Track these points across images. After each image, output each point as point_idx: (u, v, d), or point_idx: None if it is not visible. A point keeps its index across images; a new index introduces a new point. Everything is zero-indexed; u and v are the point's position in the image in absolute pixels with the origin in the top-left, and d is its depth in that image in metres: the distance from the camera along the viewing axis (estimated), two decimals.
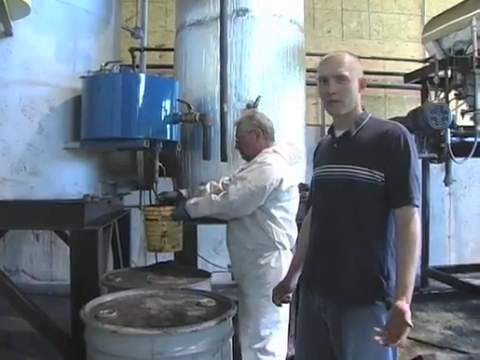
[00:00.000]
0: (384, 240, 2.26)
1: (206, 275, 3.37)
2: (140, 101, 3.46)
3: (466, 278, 6.55)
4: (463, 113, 5.65)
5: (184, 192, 3.67)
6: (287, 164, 3.40)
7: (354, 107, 2.34)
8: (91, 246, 3.41)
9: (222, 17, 3.67)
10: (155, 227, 3.46)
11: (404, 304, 2.06)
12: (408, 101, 7.17)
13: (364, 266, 2.25)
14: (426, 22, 6.98)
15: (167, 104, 3.56)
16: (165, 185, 3.99)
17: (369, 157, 2.24)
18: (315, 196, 2.54)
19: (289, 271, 2.76)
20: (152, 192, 4.64)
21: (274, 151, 3.38)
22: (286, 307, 3.38)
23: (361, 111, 2.39)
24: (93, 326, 2.29)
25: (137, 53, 4.93)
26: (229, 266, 7.14)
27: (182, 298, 2.76)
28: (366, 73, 7.12)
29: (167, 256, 3.85)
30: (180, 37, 4.31)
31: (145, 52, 4.99)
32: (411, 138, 2.26)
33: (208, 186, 3.63)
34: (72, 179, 3.79)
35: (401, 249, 2.18)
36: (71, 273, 3.42)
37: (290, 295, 2.76)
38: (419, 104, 6.44)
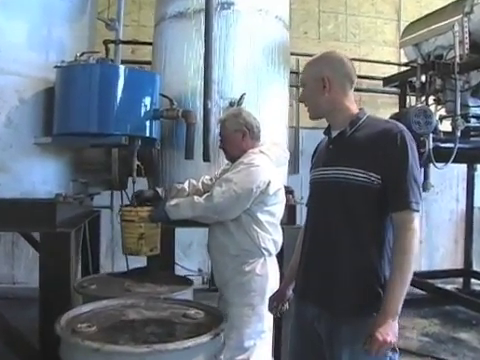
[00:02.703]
0: (381, 247, 2.10)
1: (188, 283, 3.13)
2: (119, 94, 3.18)
3: (437, 283, 6.49)
4: (441, 118, 5.57)
5: (160, 191, 3.43)
6: (274, 165, 3.20)
7: (331, 108, 2.21)
8: (63, 250, 3.12)
9: (207, 9, 3.44)
10: (132, 229, 3.20)
11: (382, 319, 1.95)
12: (382, 105, 7.11)
13: (359, 275, 2.10)
14: (403, 27, 6.92)
15: (147, 99, 3.30)
16: (139, 186, 3.72)
17: (364, 158, 2.09)
18: (310, 200, 2.41)
19: (286, 278, 2.63)
20: (125, 192, 4.40)
21: (261, 152, 3.17)
22: (270, 316, 3.20)
23: (356, 110, 2.24)
24: (72, 342, 2.01)
25: (111, 46, 4.68)
26: (200, 270, 7.02)
27: (166, 309, 2.51)
28: None
29: (139, 261, 3.58)
30: (160, 30, 4.06)
31: (120, 45, 4.74)
32: (410, 137, 2.10)
33: (186, 185, 3.40)
34: (42, 177, 3.49)
35: (395, 257, 2.03)
36: (40, 279, 3.12)
37: (286, 304, 2.60)
38: (394, 109, 6.37)
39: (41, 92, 3.47)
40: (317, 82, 2.19)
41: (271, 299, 2.66)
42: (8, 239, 6.73)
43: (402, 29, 6.87)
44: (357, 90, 7.09)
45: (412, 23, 6.46)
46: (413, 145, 2.08)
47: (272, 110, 3.89)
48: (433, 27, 5.76)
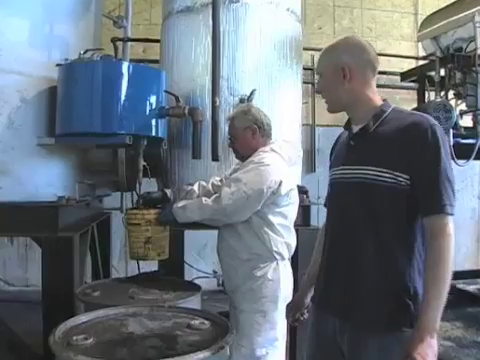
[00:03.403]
0: (410, 255, 1.87)
1: (195, 289, 2.95)
2: (123, 92, 3.04)
3: (460, 284, 6.25)
4: (462, 113, 5.31)
5: (169, 192, 3.26)
6: (286, 165, 3.01)
7: (351, 100, 1.98)
8: (66, 255, 2.97)
9: (215, 2, 3.26)
10: (138, 232, 3.04)
11: (418, 336, 1.72)
12: (400, 101, 6.84)
13: (386, 285, 1.88)
14: (420, 20, 6.66)
15: (152, 96, 3.15)
16: (148, 187, 3.55)
17: (391, 156, 1.86)
18: (329, 202, 2.19)
19: (304, 285, 2.40)
20: (136, 193, 4.25)
21: (272, 150, 2.99)
22: (283, 323, 3.02)
23: (380, 101, 2.00)
24: (64, 357, 1.85)
25: (120, 44, 4.53)
26: (215, 272, 6.85)
27: (170, 318, 2.34)
28: None
29: (151, 264, 3.43)
30: (167, 25, 3.89)
31: (128, 43, 4.59)
32: (441, 131, 1.85)
33: (196, 187, 3.22)
34: (46, 179, 3.35)
35: (427, 267, 1.80)
36: (43, 286, 2.98)
37: (305, 313, 2.39)
38: (413, 104, 6.12)
39: (44, 91, 3.34)
40: (336, 71, 1.96)
41: (288, 307, 2.47)
42: (21, 242, 6.64)
43: (419, 22, 6.62)
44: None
45: (430, 16, 6.21)
46: (445, 141, 1.84)
47: (284, 107, 3.71)
48: (452, 19, 5.51)
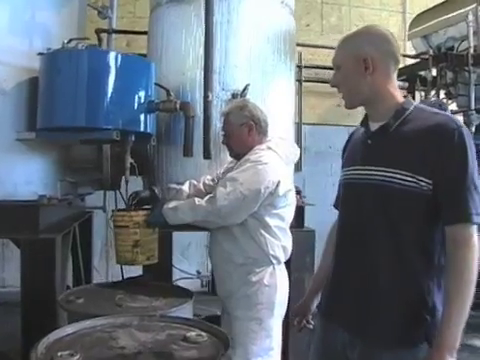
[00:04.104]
0: (430, 265, 1.73)
1: (187, 295, 2.72)
2: (110, 84, 2.80)
3: None
4: (453, 113, 5.18)
5: (157, 190, 3.04)
6: (284, 164, 2.82)
7: (372, 95, 1.81)
8: (47, 258, 2.73)
9: None
10: (125, 235, 2.81)
11: (437, 354, 1.59)
12: None
13: (403, 298, 1.74)
14: (409, 19, 6.54)
15: (142, 89, 2.91)
16: (133, 186, 3.31)
17: (413, 158, 1.70)
18: (342, 205, 2.01)
19: (310, 290, 2.28)
20: (119, 192, 4.01)
21: (269, 148, 2.79)
22: (279, 331, 2.84)
23: (402, 98, 1.84)
24: None
25: (104, 36, 4.29)
26: (198, 272, 6.64)
27: (163, 329, 2.11)
28: None
29: (135, 268, 3.18)
30: (156, 16, 3.65)
31: (113, 35, 4.34)
32: (468, 134, 1.69)
33: (186, 186, 3.02)
34: (25, 177, 3.09)
35: (447, 280, 1.66)
36: (22, 292, 2.74)
37: (310, 319, 2.26)
38: None
39: (24, 82, 3.09)
40: (357, 63, 1.80)
41: (293, 314, 2.34)
42: None
43: (408, 21, 6.49)
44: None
45: (421, 14, 6.07)
46: (472, 144, 1.69)
47: (278, 103, 3.51)
48: (444, 18, 5.39)
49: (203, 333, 2.06)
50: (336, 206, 2.15)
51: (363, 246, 1.83)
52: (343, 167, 2.01)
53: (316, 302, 2.22)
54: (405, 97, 1.86)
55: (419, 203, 1.70)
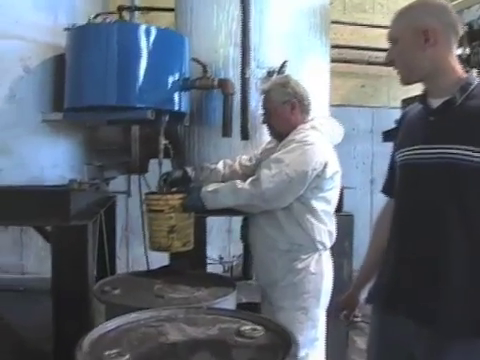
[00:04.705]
0: None
1: (230, 284, 2.53)
2: (142, 60, 2.58)
3: None
4: None
5: (190, 171, 2.85)
6: (330, 144, 2.61)
7: (433, 69, 1.67)
8: (79, 246, 2.53)
9: None
10: (161, 220, 2.60)
11: None
12: None
13: (476, 285, 1.61)
14: None
15: (177, 65, 2.70)
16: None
17: None
18: (400, 188, 1.83)
19: (358, 280, 2.15)
20: (143, 177, 3.82)
21: (313, 127, 2.57)
22: (323, 321, 2.66)
23: (464, 73, 1.69)
24: None
25: (126, 13, 4.08)
26: (221, 257, 6.44)
27: (213, 323, 1.92)
28: (369, 49, 6.34)
29: (157, 255, 2.96)
30: None
31: (135, 13, 4.14)
32: None
33: (221, 165, 2.84)
34: (52, 160, 2.89)
35: None
36: (53, 282, 2.54)
37: (358, 312, 2.14)
38: None
39: (49, 60, 2.88)
40: (417, 35, 1.66)
41: (340, 305, 2.17)
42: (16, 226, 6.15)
43: None
44: (386, 65, 6.44)
45: None
46: None
47: (315, 82, 3.27)
48: None
49: (258, 327, 1.86)
50: (386, 191, 2.02)
51: (429, 231, 1.69)
52: (399, 148, 1.84)
53: (364, 294, 2.06)
54: (468, 72, 1.72)
55: None
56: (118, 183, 4.25)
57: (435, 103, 1.71)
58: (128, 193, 4.07)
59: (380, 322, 1.89)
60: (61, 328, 2.44)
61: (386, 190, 2.04)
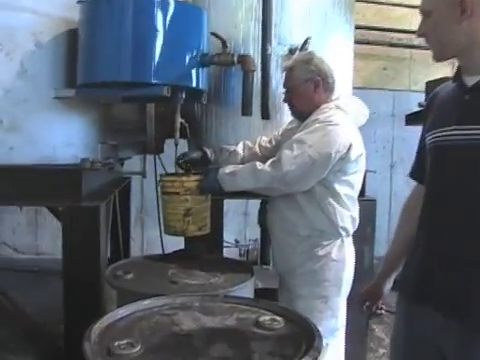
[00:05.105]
0: None
1: (247, 270, 2.40)
2: (158, 34, 2.43)
3: None
4: None
5: (209, 152, 2.71)
6: (355, 125, 2.45)
7: (469, 43, 1.51)
8: (91, 228, 2.41)
9: None
10: (176, 203, 2.47)
11: None
12: (435, 64, 6.22)
13: None
14: None
15: (195, 40, 2.55)
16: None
17: None
18: (431, 172, 1.69)
19: (383, 270, 1.99)
20: (158, 157, 3.69)
21: (337, 107, 2.42)
22: (344, 310, 2.52)
23: None
24: None
25: None
26: (237, 241, 6.33)
27: (230, 312, 1.79)
28: (391, 31, 6.11)
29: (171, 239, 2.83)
30: None
31: None
32: None
33: (240, 147, 2.70)
34: (65, 138, 2.77)
35: None
36: (64, 265, 2.43)
37: (381, 304, 2.00)
38: (448, 69, 5.51)
39: (62, 34, 2.73)
40: (452, 6, 1.49)
41: (362, 296, 2.03)
42: (31, 207, 6.09)
43: None
44: (408, 47, 6.24)
45: None
46: None
47: (338, 61, 3.09)
48: None
49: (278, 317, 1.73)
50: (414, 176, 1.88)
51: (465, 219, 1.54)
52: (429, 130, 1.69)
53: (389, 285, 1.95)
54: None
55: None
56: (133, 163, 4.14)
57: (471, 81, 1.56)
58: (143, 174, 3.95)
59: (406, 313, 1.76)
60: (72, 314, 2.33)
61: (414, 174, 1.89)
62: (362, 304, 2.02)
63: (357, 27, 5.77)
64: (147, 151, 3.30)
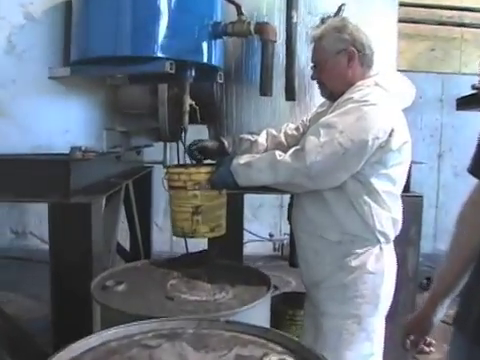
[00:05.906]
0: None
1: (263, 282, 1.95)
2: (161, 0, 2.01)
3: None
4: None
5: (226, 142, 2.25)
6: (398, 106, 1.96)
7: None
8: (80, 229, 2.02)
9: None
10: (183, 199, 2.07)
11: None
12: None
13: None
14: None
15: (205, 6, 2.10)
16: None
17: None
18: None
19: (433, 295, 1.52)
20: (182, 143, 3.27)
21: (376, 84, 1.94)
22: (381, 332, 2.06)
23: None
24: None
25: None
26: (271, 235, 5.90)
27: (230, 345, 1.35)
28: (439, 8, 5.56)
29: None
30: None
31: None
32: None
33: (263, 137, 2.23)
34: (63, 124, 2.36)
35: None
36: (51, 269, 2.04)
37: (430, 340, 1.56)
38: None
39: (56, 7, 2.32)
40: None
41: (406, 329, 1.58)
42: None
43: None
44: (458, 25, 5.67)
45: None
46: None
47: (378, 33, 2.60)
48: None
49: (290, 354, 1.29)
50: (475, 172, 1.42)
51: None
52: None
53: (441, 313, 1.51)
54: None
55: None
56: (154, 152, 3.76)
57: None
58: (164, 163, 3.56)
59: (468, 352, 1.34)
60: (58, 326, 1.96)
61: (475, 170, 1.40)
62: (405, 338, 1.56)
63: (402, 4, 5.25)
64: (162, 138, 2.89)
